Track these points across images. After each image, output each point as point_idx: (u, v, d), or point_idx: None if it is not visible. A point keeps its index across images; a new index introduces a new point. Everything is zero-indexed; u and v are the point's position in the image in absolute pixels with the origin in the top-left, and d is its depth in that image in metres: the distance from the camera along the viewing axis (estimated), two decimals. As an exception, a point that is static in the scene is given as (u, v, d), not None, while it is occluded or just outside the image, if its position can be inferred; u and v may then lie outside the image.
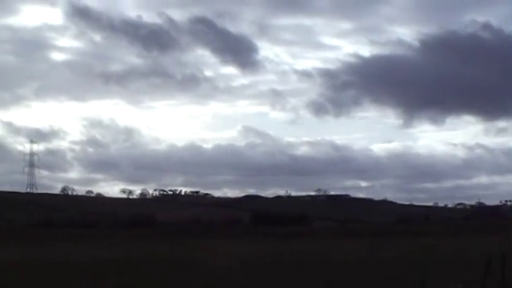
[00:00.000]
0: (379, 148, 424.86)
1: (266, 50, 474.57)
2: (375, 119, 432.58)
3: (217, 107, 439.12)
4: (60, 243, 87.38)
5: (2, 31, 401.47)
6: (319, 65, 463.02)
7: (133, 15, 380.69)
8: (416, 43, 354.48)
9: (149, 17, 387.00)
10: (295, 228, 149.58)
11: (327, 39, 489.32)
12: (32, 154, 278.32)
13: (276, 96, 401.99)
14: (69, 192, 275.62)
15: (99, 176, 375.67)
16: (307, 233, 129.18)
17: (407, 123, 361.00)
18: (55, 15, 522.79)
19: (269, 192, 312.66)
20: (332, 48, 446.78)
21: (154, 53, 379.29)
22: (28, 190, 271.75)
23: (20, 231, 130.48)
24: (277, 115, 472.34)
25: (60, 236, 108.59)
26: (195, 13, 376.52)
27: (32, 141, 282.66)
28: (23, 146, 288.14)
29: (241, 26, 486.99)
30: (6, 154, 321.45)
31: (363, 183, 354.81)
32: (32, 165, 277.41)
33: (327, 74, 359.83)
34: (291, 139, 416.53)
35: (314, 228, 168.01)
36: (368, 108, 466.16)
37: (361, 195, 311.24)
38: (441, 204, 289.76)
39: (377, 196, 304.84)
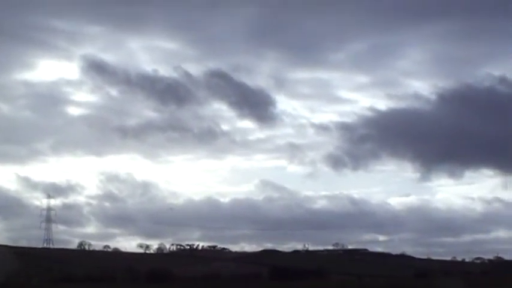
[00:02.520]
0: (397, 202, 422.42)
1: (283, 103, 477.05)
2: (392, 172, 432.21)
3: (234, 161, 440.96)
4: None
5: (19, 86, 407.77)
6: (336, 118, 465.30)
7: (149, 70, 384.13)
8: (433, 96, 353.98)
9: (165, 71, 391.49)
10: (314, 282, 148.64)
11: (343, 93, 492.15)
12: (48, 209, 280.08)
13: (293, 150, 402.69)
14: (86, 247, 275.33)
15: (116, 230, 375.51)
16: (325, 287, 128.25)
17: (425, 177, 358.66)
18: (71, 70, 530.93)
19: (287, 247, 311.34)
20: (349, 101, 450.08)
21: (171, 107, 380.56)
22: (45, 245, 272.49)
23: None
24: (295, 169, 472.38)
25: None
26: (210, 67, 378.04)
27: (48, 196, 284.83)
28: (40, 201, 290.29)
29: (257, 79, 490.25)
30: (23, 209, 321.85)
31: (381, 237, 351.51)
32: (48, 220, 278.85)
33: (344, 128, 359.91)
34: (309, 193, 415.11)
35: (332, 282, 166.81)
36: (385, 162, 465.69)
37: (379, 249, 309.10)
38: (459, 258, 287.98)
39: (395, 250, 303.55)
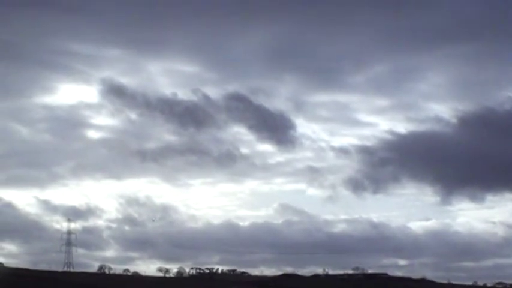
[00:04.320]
0: (417, 226, 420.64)
1: (302, 126, 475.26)
2: (412, 196, 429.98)
3: (253, 185, 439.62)
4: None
5: (39, 109, 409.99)
6: (356, 141, 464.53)
7: (168, 93, 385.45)
8: (453, 120, 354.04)
9: (184, 95, 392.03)
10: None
11: (363, 116, 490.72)
12: (69, 232, 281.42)
13: (312, 173, 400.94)
14: (106, 271, 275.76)
15: (135, 254, 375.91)
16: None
17: (445, 201, 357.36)
18: (90, 94, 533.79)
19: (306, 271, 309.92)
20: (368, 125, 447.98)
21: (190, 130, 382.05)
22: (65, 269, 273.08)
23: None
24: (314, 192, 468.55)
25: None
26: (229, 90, 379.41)
27: (69, 220, 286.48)
28: (60, 224, 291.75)
29: (276, 102, 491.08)
30: (43, 232, 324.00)
31: (401, 262, 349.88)
32: (69, 243, 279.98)
33: (364, 151, 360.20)
34: (328, 217, 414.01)
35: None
36: (406, 185, 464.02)
37: (399, 273, 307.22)
38: (480, 283, 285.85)
39: (415, 275, 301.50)
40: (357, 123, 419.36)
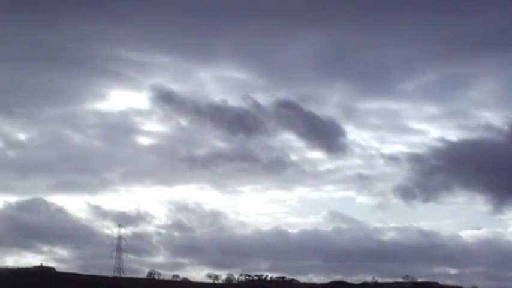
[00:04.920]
0: (468, 234, 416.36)
1: (352, 134, 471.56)
2: (463, 204, 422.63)
3: (303, 192, 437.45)
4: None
5: (90, 116, 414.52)
6: (406, 149, 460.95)
7: (218, 100, 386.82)
8: (505, 127, 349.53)
9: (234, 101, 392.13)
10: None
11: (413, 124, 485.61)
12: (119, 238, 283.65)
13: (362, 181, 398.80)
14: (156, 277, 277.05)
15: (185, 260, 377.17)
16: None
17: (497, 209, 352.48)
18: (141, 100, 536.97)
19: (355, 278, 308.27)
20: (419, 132, 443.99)
21: (239, 137, 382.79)
22: (115, 274, 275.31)
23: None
24: (364, 200, 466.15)
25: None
26: (279, 97, 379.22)
27: (119, 226, 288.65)
28: (111, 230, 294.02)
29: (326, 109, 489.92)
30: (94, 238, 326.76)
31: (452, 271, 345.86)
32: (119, 249, 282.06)
33: (415, 159, 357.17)
34: (378, 224, 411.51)
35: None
36: (456, 194, 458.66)
37: (449, 282, 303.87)
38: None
39: (466, 284, 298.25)
40: (408, 131, 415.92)
